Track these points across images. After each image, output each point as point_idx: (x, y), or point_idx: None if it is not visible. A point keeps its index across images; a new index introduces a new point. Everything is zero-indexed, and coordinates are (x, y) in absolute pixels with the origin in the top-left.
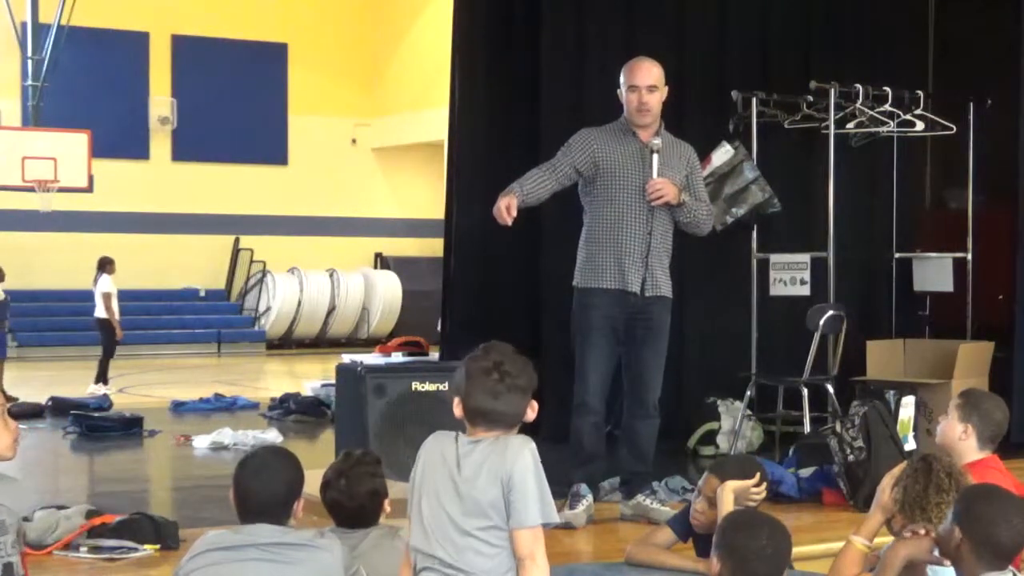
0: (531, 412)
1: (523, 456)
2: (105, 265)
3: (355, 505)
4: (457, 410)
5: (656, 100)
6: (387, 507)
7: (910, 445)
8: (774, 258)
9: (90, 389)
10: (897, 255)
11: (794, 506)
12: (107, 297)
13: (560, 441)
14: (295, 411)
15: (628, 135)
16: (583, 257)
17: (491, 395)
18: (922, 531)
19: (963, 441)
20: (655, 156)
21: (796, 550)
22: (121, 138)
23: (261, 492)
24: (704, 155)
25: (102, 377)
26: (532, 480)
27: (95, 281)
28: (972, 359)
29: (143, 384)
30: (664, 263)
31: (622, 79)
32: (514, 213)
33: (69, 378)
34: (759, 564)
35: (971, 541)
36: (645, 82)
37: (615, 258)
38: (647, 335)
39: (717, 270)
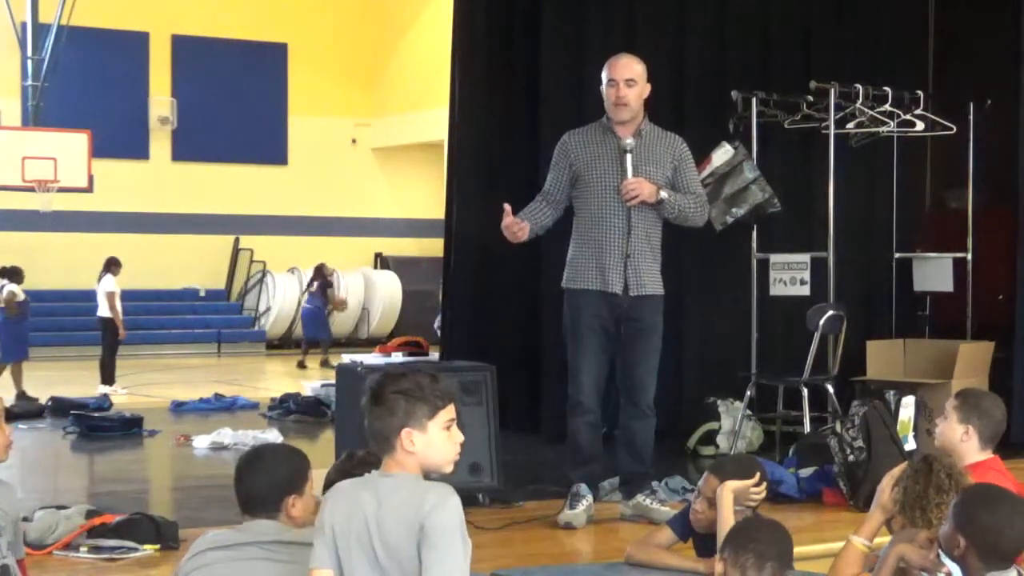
0: (408, 440)
1: None
2: (111, 266)
3: None
4: None
5: (635, 95)
6: None
7: (910, 445)
8: (774, 258)
9: (100, 390)
10: (897, 255)
11: (794, 506)
12: (111, 296)
13: (559, 441)
14: (295, 411)
15: (607, 134)
16: (569, 257)
17: (363, 415)
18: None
19: (965, 442)
20: (628, 156)
21: (796, 550)
22: (121, 138)
23: (250, 484)
24: (704, 155)
25: (110, 378)
26: None
27: (99, 280)
28: (972, 359)
29: (143, 384)
30: (649, 261)
31: (602, 75)
32: (523, 232)
33: (69, 378)
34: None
35: (975, 547)
36: (623, 76)
37: (596, 259)
38: (637, 335)
39: (717, 270)
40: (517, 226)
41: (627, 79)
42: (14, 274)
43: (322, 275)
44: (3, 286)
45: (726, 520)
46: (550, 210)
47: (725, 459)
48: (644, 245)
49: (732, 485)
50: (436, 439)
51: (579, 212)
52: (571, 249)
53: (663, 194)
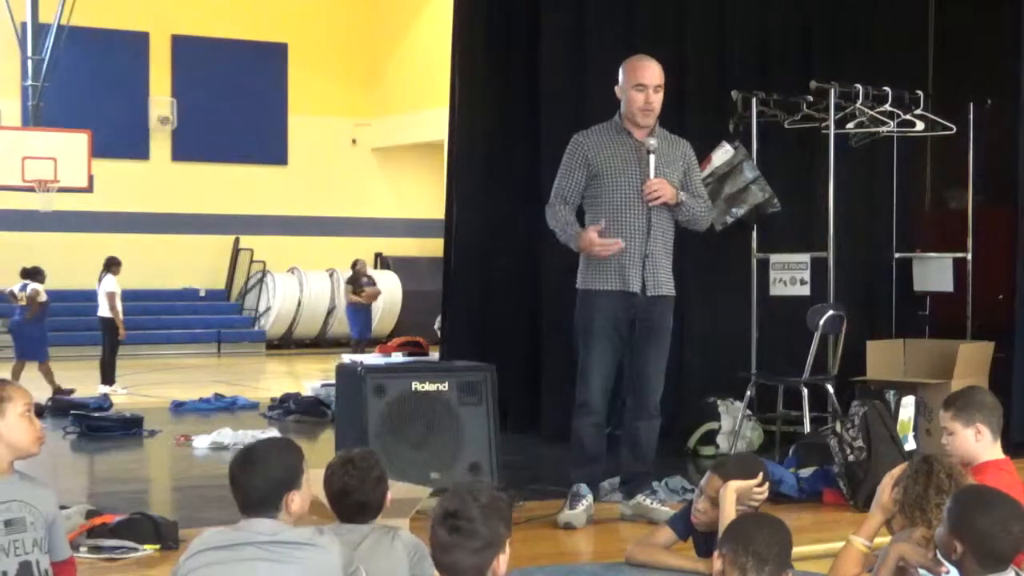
0: (500, 565)
1: None
2: (111, 265)
3: (364, 490)
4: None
5: (659, 100)
6: (388, 502)
7: (910, 445)
8: (774, 258)
9: (100, 390)
10: (897, 255)
11: (794, 506)
12: (111, 296)
13: (560, 441)
14: (295, 411)
15: (622, 135)
16: (585, 258)
17: (440, 548)
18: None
19: (980, 441)
20: (652, 156)
21: (796, 550)
22: (121, 138)
23: (247, 487)
24: (704, 155)
25: (110, 378)
26: None
27: (99, 280)
28: (972, 359)
29: (143, 384)
30: (665, 263)
31: (624, 77)
32: (617, 244)
33: (69, 378)
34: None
35: (972, 551)
36: (653, 81)
37: (615, 259)
38: (650, 335)
39: (717, 270)
40: (613, 241)
41: (656, 85)
42: (36, 274)
43: (352, 272)
44: (26, 285)
45: (728, 519)
46: (571, 214)
47: (728, 458)
48: (661, 246)
49: (735, 485)
50: (508, 555)
51: (595, 213)
52: None
53: (682, 196)
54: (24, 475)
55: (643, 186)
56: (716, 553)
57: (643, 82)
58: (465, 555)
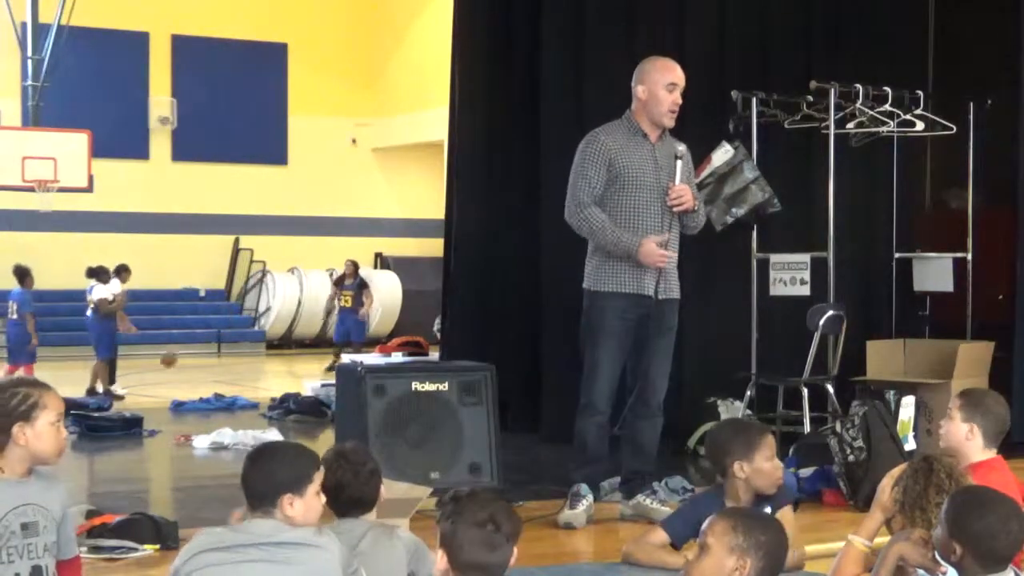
0: (515, 553)
1: None
2: (120, 272)
3: (359, 484)
4: (441, 563)
5: None
6: (383, 493)
7: (910, 445)
8: (774, 258)
9: (100, 390)
10: (897, 255)
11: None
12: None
13: (560, 441)
14: (295, 411)
15: (638, 136)
16: (597, 260)
17: (488, 547)
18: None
19: (970, 441)
20: (679, 162)
21: None
22: (121, 138)
23: (250, 480)
24: (704, 155)
25: (110, 377)
26: None
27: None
28: (972, 359)
29: (143, 384)
30: (675, 265)
31: (652, 76)
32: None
33: (70, 378)
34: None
35: (971, 552)
36: (682, 82)
37: (631, 262)
38: (658, 336)
39: (717, 270)
40: (672, 253)
41: (683, 86)
42: (102, 273)
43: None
44: (93, 287)
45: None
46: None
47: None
48: (675, 249)
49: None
50: None
51: (611, 215)
52: (599, 251)
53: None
54: (40, 474)
55: (668, 191)
56: (705, 526)
57: (676, 82)
58: (508, 548)
